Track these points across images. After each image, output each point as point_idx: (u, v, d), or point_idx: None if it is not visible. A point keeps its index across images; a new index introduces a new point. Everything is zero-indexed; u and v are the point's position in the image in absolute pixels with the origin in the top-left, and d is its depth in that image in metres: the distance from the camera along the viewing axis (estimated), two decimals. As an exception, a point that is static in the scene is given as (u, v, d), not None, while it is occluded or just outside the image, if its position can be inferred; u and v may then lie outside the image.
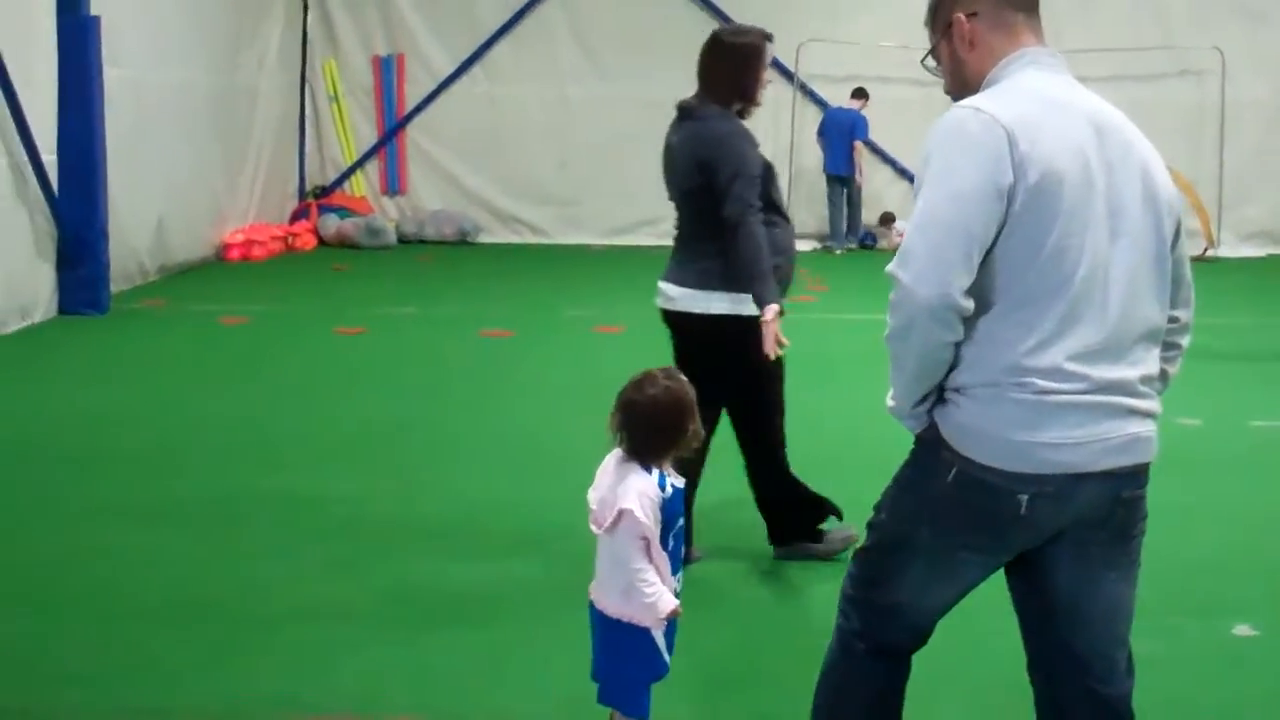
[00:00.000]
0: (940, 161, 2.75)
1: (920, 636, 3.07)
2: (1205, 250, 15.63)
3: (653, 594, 3.47)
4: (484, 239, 16.58)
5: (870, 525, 3.05)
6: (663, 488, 3.52)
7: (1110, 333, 2.75)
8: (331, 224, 16.00)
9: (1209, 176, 16.14)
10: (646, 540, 3.47)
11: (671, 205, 5.33)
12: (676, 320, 5.21)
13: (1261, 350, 9.08)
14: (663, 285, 5.22)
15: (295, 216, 16.29)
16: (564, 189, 16.69)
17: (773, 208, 5.10)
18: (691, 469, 4.91)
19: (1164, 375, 2.96)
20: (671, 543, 3.57)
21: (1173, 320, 2.95)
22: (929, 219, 2.73)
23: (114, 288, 11.35)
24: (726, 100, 5.14)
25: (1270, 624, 4.87)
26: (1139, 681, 3.03)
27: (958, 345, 2.78)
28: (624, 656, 3.58)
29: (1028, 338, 2.72)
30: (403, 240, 16.24)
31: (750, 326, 4.98)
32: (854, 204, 16.25)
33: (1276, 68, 16.30)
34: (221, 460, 6.85)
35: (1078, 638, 2.93)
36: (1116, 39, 15.49)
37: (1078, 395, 2.73)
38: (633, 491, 3.47)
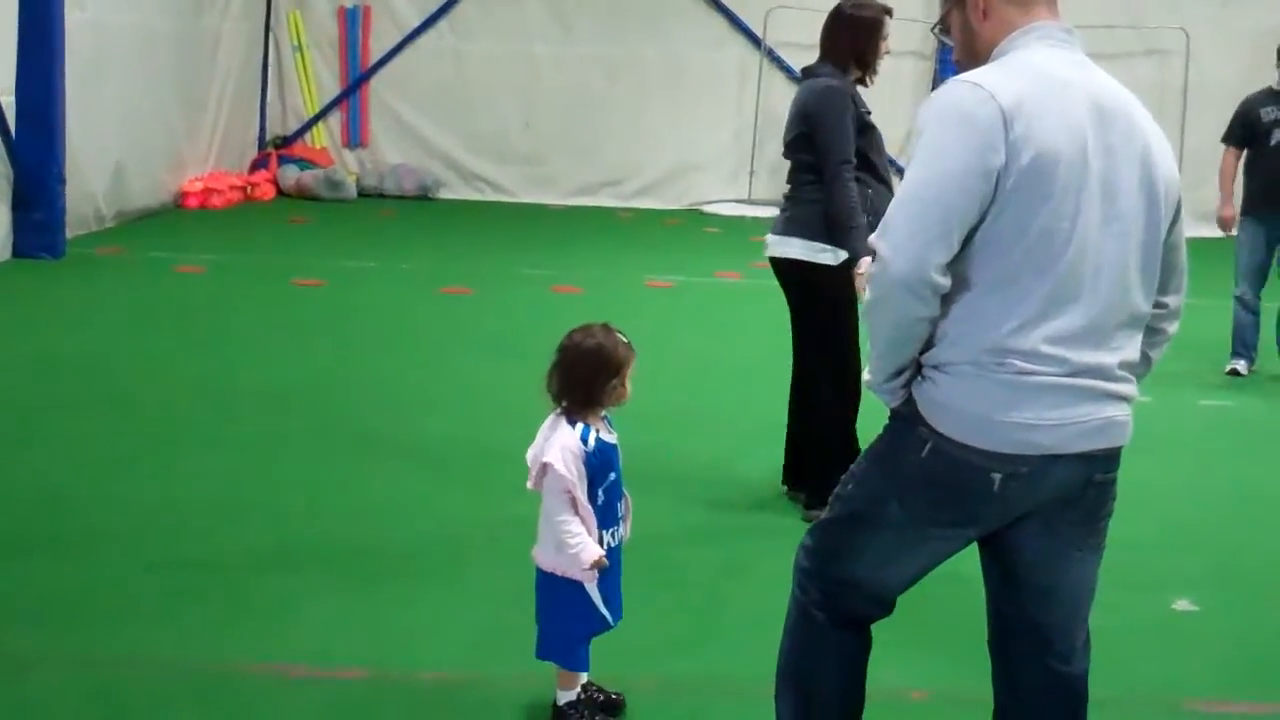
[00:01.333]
0: (931, 137, 2.74)
1: (883, 607, 3.06)
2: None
3: (576, 544, 3.52)
4: (445, 195, 16.48)
5: (836, 497, 3.03)
6: (585, 441, 3.57)
7: (1095, 317, 2.75)
8: (291, 175, 15.87)
9: (1170, 157, 16.20)
10: (570, 494, 3.53)
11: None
12: (772, 264, 5.54)
13: (1212, 331, 9.17)
14: (768, 235, 5.56)
15: (255, 166, 16.14)
16: (527, 148, 16.60)
17: (869, 167, 5.35)
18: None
19: (1146, 360, 2.98)
20: (602, 496, 3.61)
21: (1161, 306, 2.94)
22: (912, 194, 2.73)
23: (70, 233, 11.21)
24: (844, 66, 5.45)
25: (1209, 599, 4.95)
26: (1084, 655, 3.07)
27: (938, 321, 2.78)
28: (560, 610, 3.63)
29: (1010, 318, 2.72)
30: (363, 194, 16.13)
31: (826, 275, 5.28)
32: None
33: (1240, 50, 16.35)
34: (181, 409, 6.82)
35: (1042, 614, 2.96)
36: (1084, 16, 15.50)
37: (1055, 377, 2.73)
38: (555, 446, 3.54)
